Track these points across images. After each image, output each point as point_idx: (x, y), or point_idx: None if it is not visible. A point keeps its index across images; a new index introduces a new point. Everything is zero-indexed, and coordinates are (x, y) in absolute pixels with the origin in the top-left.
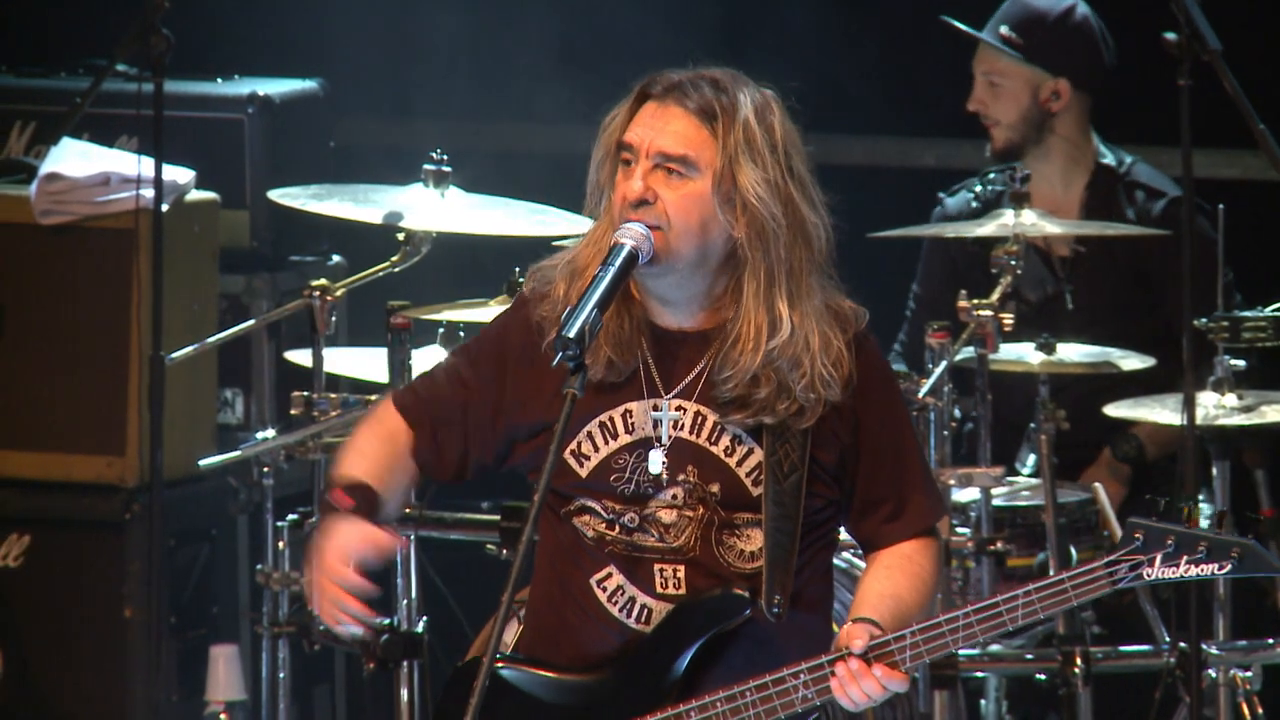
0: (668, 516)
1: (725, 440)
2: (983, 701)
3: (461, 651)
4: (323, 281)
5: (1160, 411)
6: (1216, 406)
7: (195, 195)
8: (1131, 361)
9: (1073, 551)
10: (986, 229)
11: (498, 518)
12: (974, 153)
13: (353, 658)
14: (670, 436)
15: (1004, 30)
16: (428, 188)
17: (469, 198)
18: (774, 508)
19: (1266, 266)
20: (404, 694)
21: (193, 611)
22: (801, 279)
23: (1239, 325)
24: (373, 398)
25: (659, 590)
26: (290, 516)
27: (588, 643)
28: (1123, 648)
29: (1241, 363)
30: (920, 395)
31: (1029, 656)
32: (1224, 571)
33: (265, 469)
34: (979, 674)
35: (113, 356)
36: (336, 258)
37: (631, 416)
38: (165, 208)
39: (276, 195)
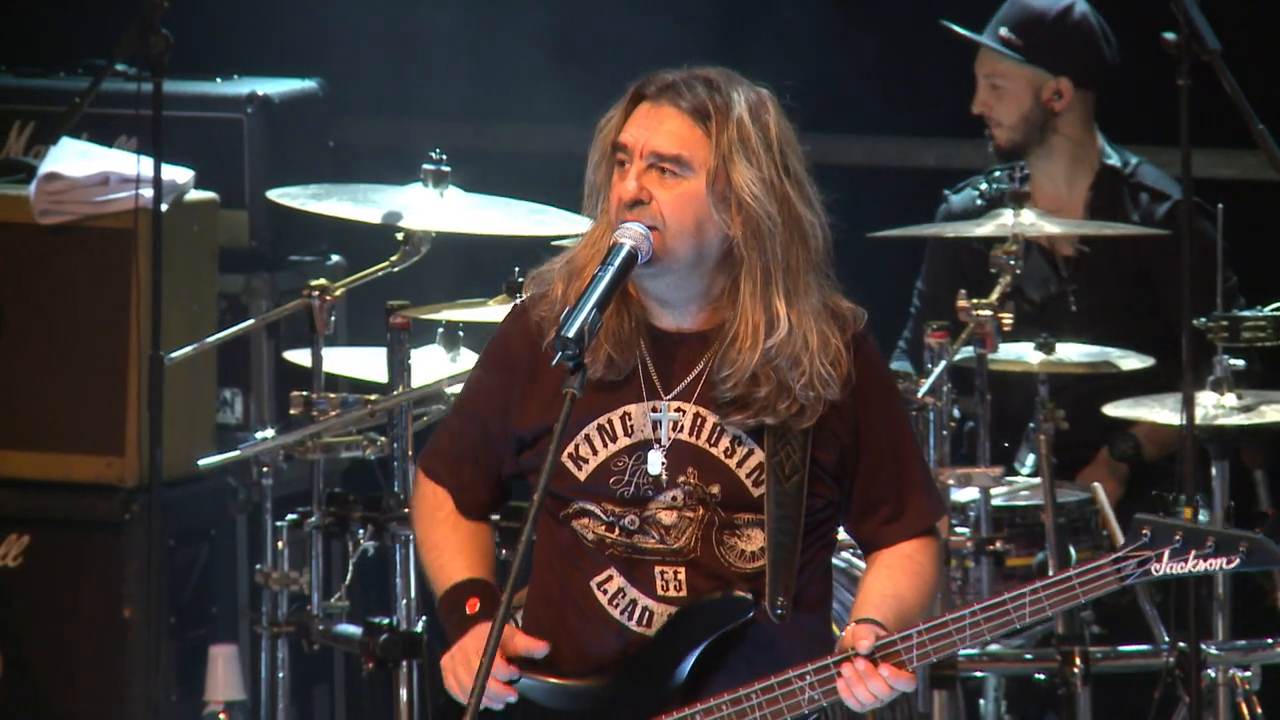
0: (668, 518)
1: (725, 441)
2: (982, 701)
3: None
4: (322, 281)
5: (1159, 411)
6: (1216, 406)
7: (194, 195)
8: (1130, 361)
9: (1072, 551)
10: (985, 228)
11: (496, 518)
12: (974, 152)
13: (352, 658)
14: (669, 438)
15: (1003, 32)
16: (427, 187)
17: (468, 197)
18: (776, 508)
19: (1266, 266)
20: (403, 694)
21: (192, 611)
22: (799, 277)
23: (1238, 325)
24: (372, 397)
25: (660, 592)
26: (289, 516)
27: (587, 644)
28: (1122, 648)
29: (1241, 362)
30: (919, 395)
31: (1028, 656)
32: (1232, 566)
33: (264, 469)
34: (978, 674)
35: (112, 356)
36: (336, 257)
37: (630, 419)
38: (164, 207)
39: (276, 195)
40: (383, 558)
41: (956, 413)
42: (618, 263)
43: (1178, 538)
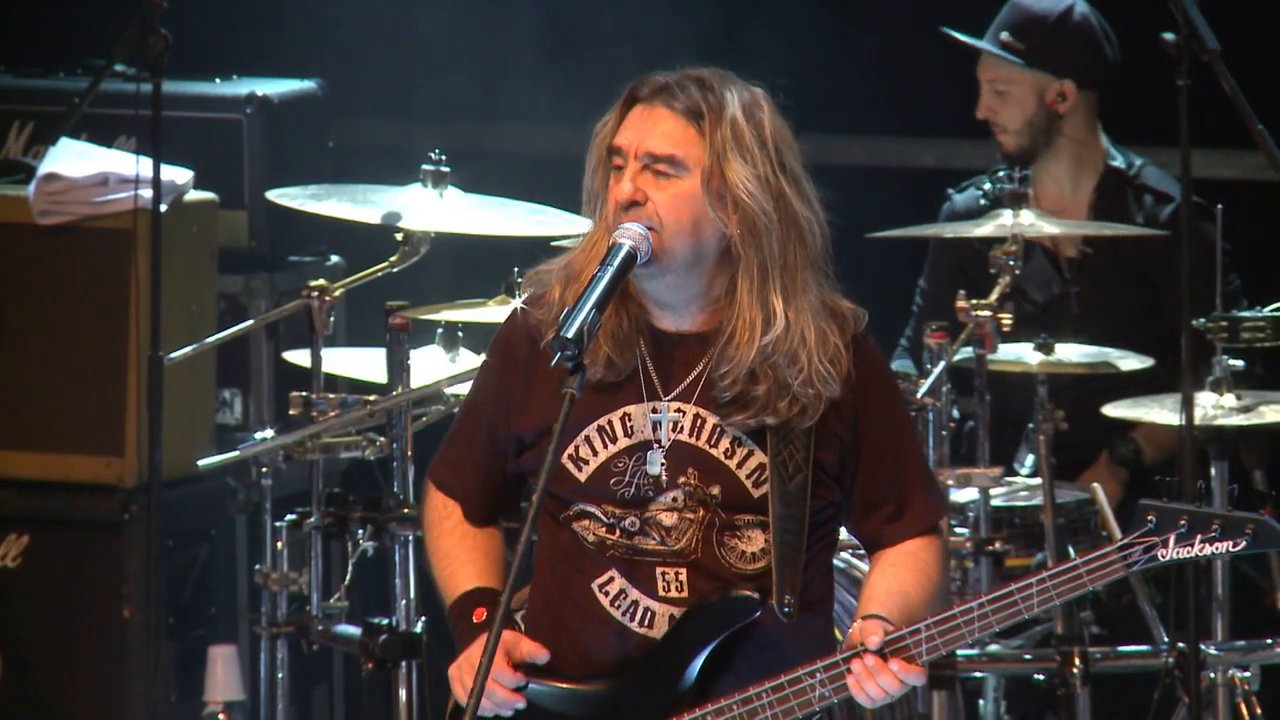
0: (668, 519)
1: (725, 443)
2: (981, 702)
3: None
4: (321, 282)
5: (1159, 411)
6: (1215, 407)
7: (194, 195)
8: (1129, 362)
9: (1071, 552)
10: (985, 229)
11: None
12: (974, 152)
13: (351, 658)
14: (669, 439)
15: (1004, 36)
16: (426, 188)
17: (467, 198)
18: (781, 507)
19: (1266, 267)
20: (402, 694)
21: (191, 612)
22: (796, 274)
23: (1238, 325)
24: (371, 398)
25: (661, 593)
26: (289, 517)
27: (588, 645)
28: (1121, 648)
29: (1240, 363)
30: (919, 395)
31: (1027, 657)
32: (1239, 549)
33: (264, 469)
34: (977, 674)
35: (111, 357)
36: (335, 258)
37: (630, 420)
38: (164, 208)
39: (275, 195)
40: (382, 558)
41: (956, 413)
42: (616, 263)
43: (1183, 522)
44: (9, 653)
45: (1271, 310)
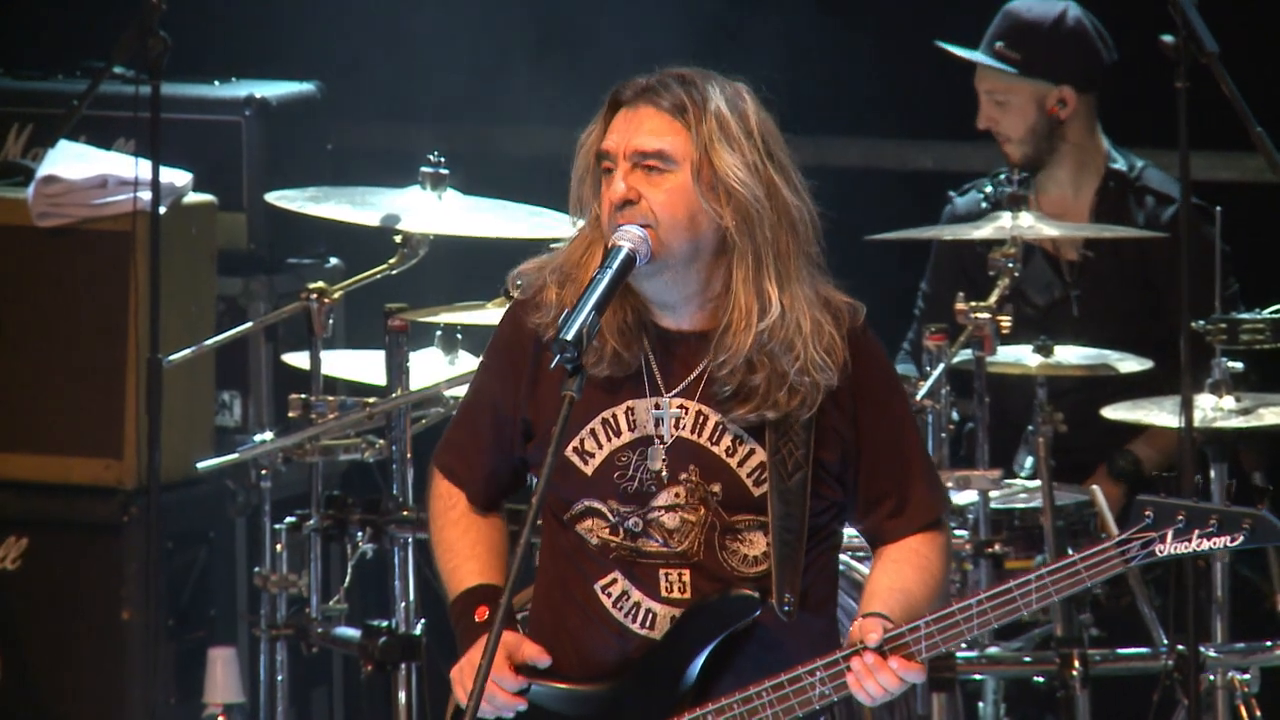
0: (671, 521)
1: (727, 440)
2: (981, 704)
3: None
4: (320, 284)
5: (1158, 413)
6: (1214, 409)
7: (193, 198)
8: (1128, 364)
9: (1070, 553)
10: (983, 231)
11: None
12: (972, 155)
13: (350, 660)
14: (671, 435)
15: (999, 46)
16: (425, 190)
17: (466, 200)
18: (780, 505)
19: (1265, 269)
20: (401, 696)
21: (191, 614)
22: (789, 262)
23: (1237, 327)
24: (371, 400)
25: (664, 594)
26: (288, 519)
27: (589, 646)
28: (1121, 650)
29: (1239, 365)
30: (918, 398)
31: (1027, 659)
32: (1236, 543)
33: (263, 471)
34: (977, 676)
35: (110, 359)
36: (334, 260)
37: (634, 414)
38: (163, 210)
39: (274, 198)
40: (381, 560)
41: (955, 415)
42: (616, 265)
43: (1180, 517)
44: (9, 655)
45: (1270, 313)
